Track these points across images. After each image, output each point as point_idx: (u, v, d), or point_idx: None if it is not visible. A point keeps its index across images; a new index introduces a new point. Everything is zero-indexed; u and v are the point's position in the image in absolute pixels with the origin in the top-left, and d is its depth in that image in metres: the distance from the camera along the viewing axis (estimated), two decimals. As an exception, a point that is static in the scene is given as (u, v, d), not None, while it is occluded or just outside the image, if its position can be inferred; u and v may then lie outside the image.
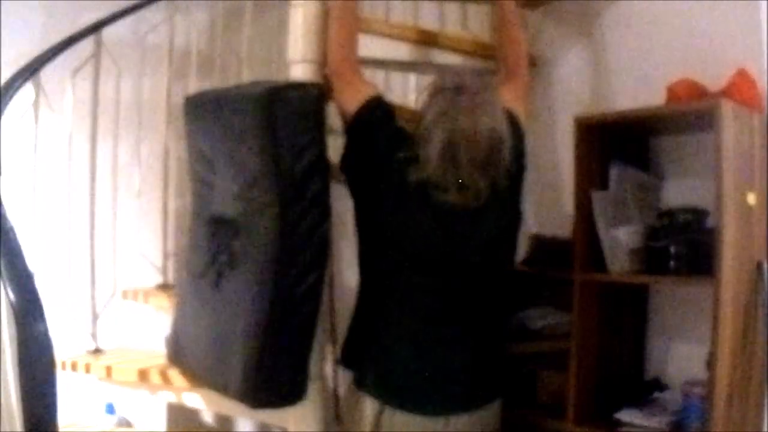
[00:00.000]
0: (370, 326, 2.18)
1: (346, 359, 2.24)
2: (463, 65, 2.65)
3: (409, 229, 2.08)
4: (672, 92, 2.38)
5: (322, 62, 2.24)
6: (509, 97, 2.27)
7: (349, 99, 2.15)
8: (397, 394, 2.09)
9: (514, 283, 2.33)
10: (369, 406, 2.10)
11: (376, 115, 2.15)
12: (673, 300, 2.57)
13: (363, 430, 2.10)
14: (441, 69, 2.60)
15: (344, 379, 2.27)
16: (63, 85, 2.74)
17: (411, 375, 2.11)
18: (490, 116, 1.99)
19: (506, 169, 2.04)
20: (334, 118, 2.24)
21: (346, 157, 2.17)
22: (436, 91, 2.07)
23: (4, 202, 1.84)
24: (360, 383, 2.15)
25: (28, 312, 1.59)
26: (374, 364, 2.14)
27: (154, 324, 2.89)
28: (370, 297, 2.19)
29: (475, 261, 2.12)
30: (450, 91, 2.02)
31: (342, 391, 2.32)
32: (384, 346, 2.13)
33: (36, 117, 2.61)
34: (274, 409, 2.16)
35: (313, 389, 2.17)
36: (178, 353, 2.45)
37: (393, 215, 2.09)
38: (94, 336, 2.81)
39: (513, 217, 2.21)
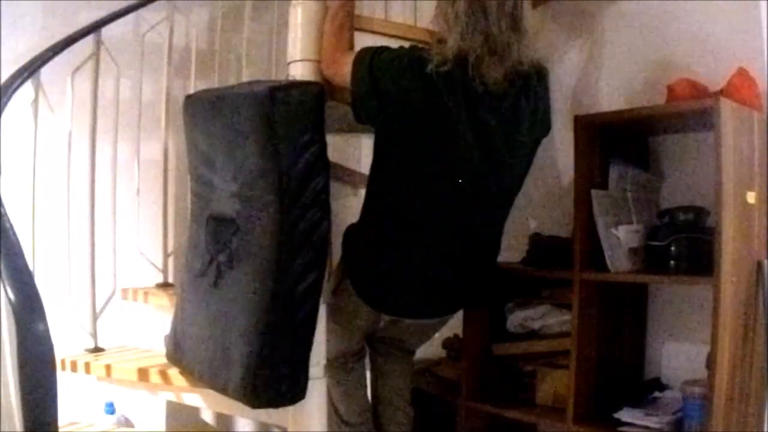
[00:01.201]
0: (372, 240, 2.24)
1: (345, 256, 2.32)
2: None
3: (434, 129, 2.07)
4: (672, 91, 2.38)
5: (321, 60, 2.24)
6: None
7: (345, 67, 2.14)
8: (394, 304, 2.30)
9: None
10: (365, 309, 2.29)
11: (372, 51, 2.12)
12: (673, 299, 2.57)
13: (360, 314, 2.33)
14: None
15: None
16: (62, 85, 2.74)
17: (409, 287, 2.25)
18: None
19: (531, 56, 2.06)
20: (333, 117, 2.24)
21: (358, 105, 2.13)
22: None
23: (3, 202, 1.84)
24: (359, 291, 2.26)
25: (28, 311, 1.59)
26: (374, 276, 2.26)
27: (153, 323, 2.89)
28: (375, 214, 2.23)
29: (496, 164, 2.14)
30: None
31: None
32: (386, 264, 2.22)
33: (35, 116, 2.61)
34: (273, 409, 2.15)
35: (312, 388, 2.17)
36: (178, 352, 2.45)
37: (419, 123, 2.07)
38: (93, 335, 2.81)
39: (541, 124, 2.24)
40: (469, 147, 2.08)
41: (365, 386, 2.60)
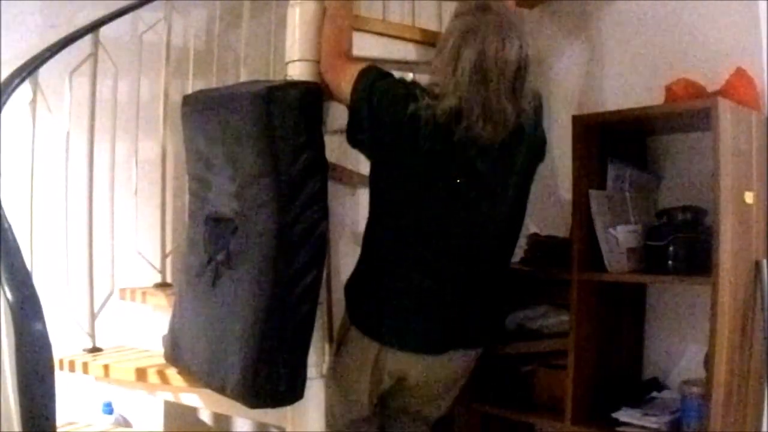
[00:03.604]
0: (372, 271, 2.21)
1: (348, 302, 2.27)
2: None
3: (428, 167, 2.07)
4: (670, 91, 2.38)
5: (320, 61, 2.24)
6: None
7: (345, 81, 2.13)
8: (398, 337, 2.17)
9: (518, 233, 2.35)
10: (369, 344, 2.19)
11: (375, 76, 2.12)
12: (671, 299, 2.57)
13: (365, 365, 2.21)
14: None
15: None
16: (61, 85, 2.74)
17: (413, 319, 2.17)
18: (518, 37, 1.97)
19: (532, 99, 2.05)
20: (332, 117, 2.24)
21: (352, 130, 2.14)
22: (460, 12, 2.04)
23: (2, 202, 1.84)
24: (360, 325, 2.21)
25: (26, 311, 1.59)
26: (376, 309, 2.19)
27: (151, 323, 2.89)
28: (375, 244, 2.21)
29: (490, 201, 2.13)
30: (474, 10, 2.00)
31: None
32: (387, 293, 2.17)
33: (34, 116, 2.60)
34: (272, 409, 2.16)
35: (310, 389, 2.17)
36: (176, 352, 2.45)
37: (413, 158, 2.07)
38: (91, 335, 2.80)
39: (534, 157, 2.22)
40: (458, 186, 2.08)
41: None
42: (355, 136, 2.15)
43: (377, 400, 2.32)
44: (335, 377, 2.29)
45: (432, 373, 2.26)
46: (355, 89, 2.11)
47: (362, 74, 2.12)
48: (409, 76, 3.10)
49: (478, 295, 2.24)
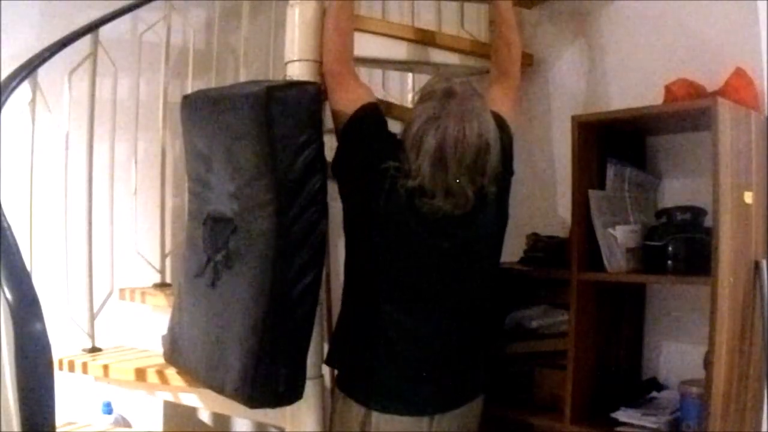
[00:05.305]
0: (354, 329, 2.19)
1: (332, 360, 2.26)
2: (455, 67, 2.69)
3: (396, 232, 2.09)
4: (669, 91, 2.38)
5: (320, 61, 2.24)
6: (499, 95, 2.36)
7: (343, 100, 2.16)
8: (383, 399, 2.12)
9: (499, 284, 2.34)
10: (355, 407, 2.13)
11: (370, 121, 2.15)
12: (670, 299, 2.57)
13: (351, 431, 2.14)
14: (438, 68, 2.63)
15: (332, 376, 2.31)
16: (60, 85, 2.74)
17: (396, 379, 2.13)
18: (479, 121, 2.00)
19: (494, 174, 2.06)
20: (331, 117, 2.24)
21: (337, 161, 2.17)
22: (426, 96, 2.07)
23: (1, 201, 1.83)
24: (345, 387, 2.18)
25: (26, 311, 1.59)
26: (359, 369, 2.17)
27: (151, 323, 2.89)
28: (354, 299, 2.20)
29: (461, 264, 2.14)
30: (439, 96, 2.03)
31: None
32: (368, 351, 2.14)
33: (33, 116, 2.60)
34: (271, 409, 2.16)
35: (310, 389, 2.17)
36: (175, 352, 2.45)
37: (381, 219, 2.09)
38: (91, 335, 2.80)
39: (499, 221, 2.23)
40: (430, 249, 2.10)
41: None
42: (338, 166, 2.18)
43: None
44: None
45: None
46: (348, 129, 2.14)
47: (363, 111, 2.14)
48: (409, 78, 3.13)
49: (463, 353, 2.21)
